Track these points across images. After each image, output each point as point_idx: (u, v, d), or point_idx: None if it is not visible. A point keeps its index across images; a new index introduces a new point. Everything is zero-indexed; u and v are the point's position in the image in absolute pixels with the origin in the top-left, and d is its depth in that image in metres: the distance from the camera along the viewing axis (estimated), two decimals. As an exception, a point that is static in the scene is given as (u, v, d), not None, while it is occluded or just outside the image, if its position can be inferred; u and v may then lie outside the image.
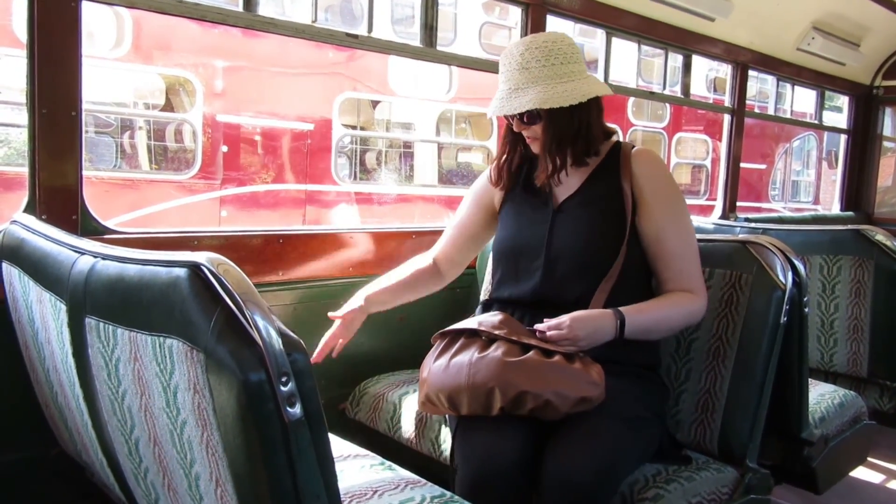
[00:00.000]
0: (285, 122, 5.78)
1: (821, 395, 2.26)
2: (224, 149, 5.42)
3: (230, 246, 1.97)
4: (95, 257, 1.13)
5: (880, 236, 2.61)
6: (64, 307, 1.19)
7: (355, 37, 2.23)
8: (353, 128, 7.12)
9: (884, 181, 5.20)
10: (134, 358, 1.02)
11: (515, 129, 1.76)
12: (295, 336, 0.88)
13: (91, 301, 1.11)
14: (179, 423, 0.97)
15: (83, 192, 1.74)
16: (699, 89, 8.64)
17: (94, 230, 1.74)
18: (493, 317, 1.66)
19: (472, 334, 1.63)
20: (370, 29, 2.27)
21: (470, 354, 1.56)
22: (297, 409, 0.85)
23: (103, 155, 5.65)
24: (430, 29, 2.46)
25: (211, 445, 0.92)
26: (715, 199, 4.25)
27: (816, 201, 11.42)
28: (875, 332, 2.63)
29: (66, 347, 1.21)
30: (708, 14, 3.43)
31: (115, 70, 5.29)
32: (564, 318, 1.58)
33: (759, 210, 9.16)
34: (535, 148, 1.76)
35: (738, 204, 4.24)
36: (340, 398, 2.22)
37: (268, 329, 0.84)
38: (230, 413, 0.86)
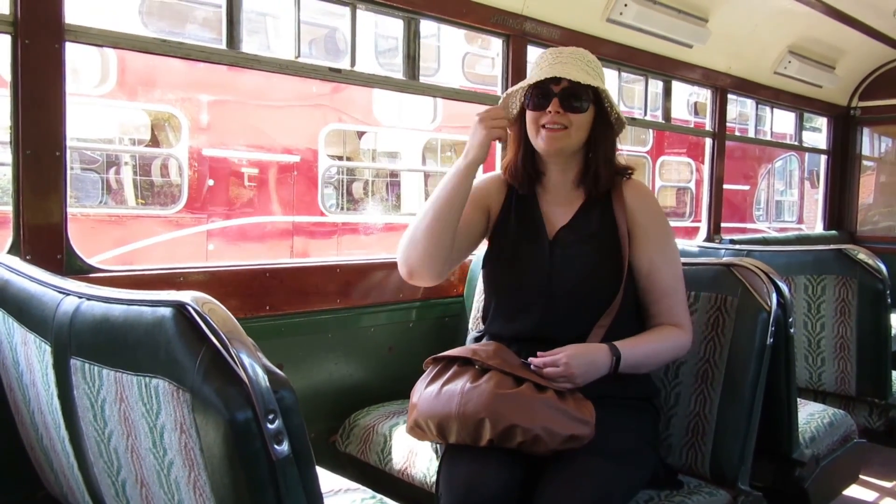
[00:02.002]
0: (271, 154, 5.81)
1: (810, 415, 2.27)
2: (210, 182, 5.43)
3: (217, 281, 1.97)
4: (80, 298, 1.13)
5: (862, 255, 2.64)
6: (49, 348, 1.18)
7: (339, 71, 2.25)
8: (340, 158, 7.15)
9: (865, 199, 5.27)
10: (120, 398, 1.02)
11: (552, 109, 1.65)
12: (281, 373, 0.88)
13: (76, 342, 1.11)
14: (166, 464, 0.96)
15: (68, 231, 1.74)
16: (681, 113, 8.75)
17: (79, 269, 1.74)
18: (487, 346, 1.65)
19: (465, 362, 1.62)
20: (353, 63, 2.29)
21: (462, 383, 1.55)
22: (284, 447, 0.85)
23: (89, 191, 5.64)
24: (412, 61, 2.49)
25: (198, 486, 0.91)
26: (700, 221, 4.29)
27: (800, 220, 11.54)
28: (861, 349, 2.65)
29: (51, 389, 1.20)
30: (686, 41, 3.50)
31: (101, 107, 5.30)
32: (561, 356, 1.57)
33: (744, 231, 9.24)
34: (555, 142, 1.68)
35: (724, 225, 4.28)
36: (330, 431, 2.20)
37: (254, 367, 0.85)
38: (217, 452, 0.85)
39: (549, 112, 1.66)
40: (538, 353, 1.61)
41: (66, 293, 1.17)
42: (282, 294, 2.08)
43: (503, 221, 1.83)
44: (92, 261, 1.80)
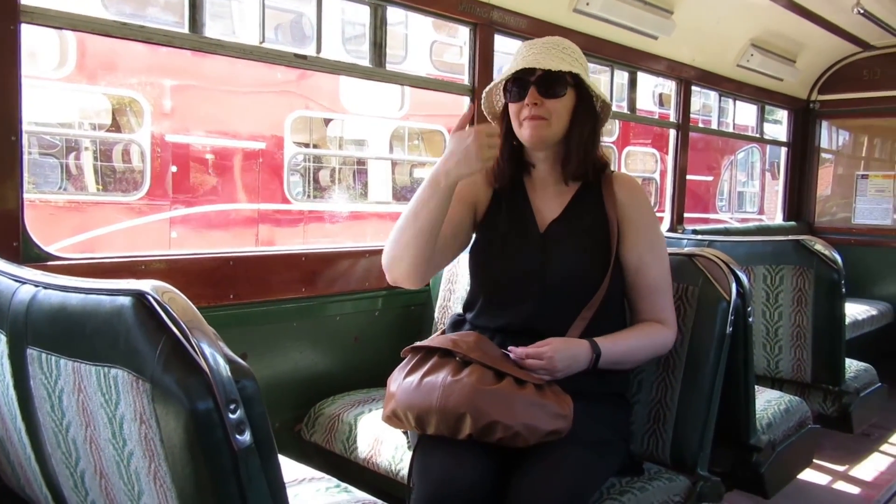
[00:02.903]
0: (236, 141, 5.72)
1: (767, 402, 2.33)
2: (173, 169, 5.34)
3: (179, 269, 1.94)
4: (37, 286, 1.11)
5: (819, 246, 2.71)
6: (4, 338, 1.16)
7: (304, 57, 2.23)
8: (306, 145, 7.08)
9: (823, 190, 5.39)
10: (78, 389, 1.00)
11: (528, 100, 1.64)
12: (243, 363, 0.87)
13: (33, 331, 1.08)
14: (126, 455, 0.95)
15: (24, 218, 1.70)
16: (646, 104, 8.84)
17: (36, 257, 1.70)
18: (468, 337, 1.63)
19: (445, 353, 1.61)
20: (319, 49, 2.27)
21: (443, 376, 1.54)
22: (246, 437, 0.84)
23: (48, 177, 5.51)
24: (379, 48, 2.47)
25: (159, 476, 0.90)
26: (664, 211, 4.35)
27: (761, 211, 11.76)
28: (817, 338, 2.72)
29: (6, 379, 1.18)
30: (651, 32, 3.53)
31: (59, 90, 5.17)
32: (545, 349, 1.58)
33: (707, 221, 9.39)
34: (535, 131, 1.66)
35: (688, 215, 4.34)
36: (295, 420, 2.19)
37: (215, 357, 0.84)
38: (178, 443, 0.85)
39: (528, 104, 1.65)
40: (520, 346, 1.61)
41: (23, 282, 1.15)
42: (246, 283, 2.06)
43: (492, 214, 1.82)
44: (50, 248, 1.76)
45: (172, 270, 1.92)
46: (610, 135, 8.86)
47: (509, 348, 1.61)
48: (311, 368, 2.25)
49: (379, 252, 2.43)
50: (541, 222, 1.78)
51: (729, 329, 1.84)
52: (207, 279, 1.98)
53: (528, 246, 1.74)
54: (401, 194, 7.81)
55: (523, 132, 1.70)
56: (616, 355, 1.67)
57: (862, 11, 3.65)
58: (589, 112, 1.75)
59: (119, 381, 0.91)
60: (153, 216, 5.30)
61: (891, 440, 3.83)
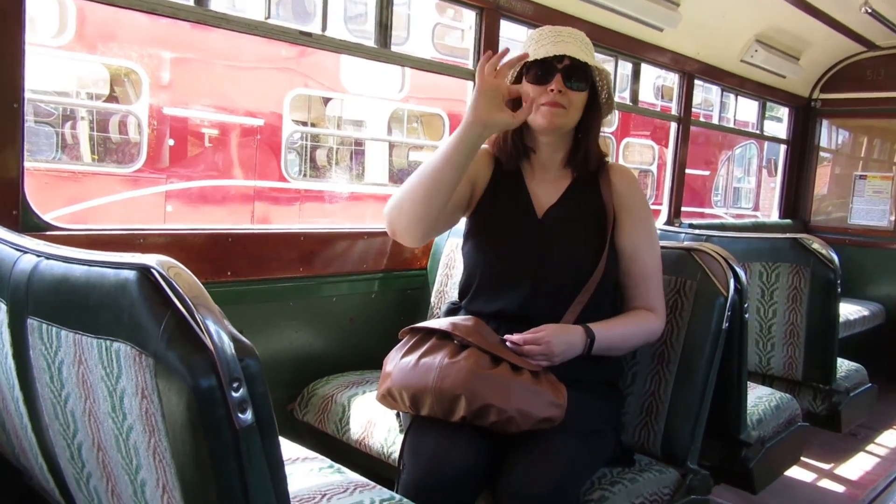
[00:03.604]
0: (235, 116, 5.68)
1: (758, 398, 2.35)
2: (171, 142, 5.30)
3: (178, 244, 1.93)
4: (39, 256, 1.10)
5: (816, 245, 2.72)
6: (4, 307, 1.15)
7: (309, 35, 2.21)
8: (304, 124, 7.04)
9: (820, 189, 5.40)
10: (78, 361, 1.00)
11: (554, 86, 1.65)
12: (247, 341, 0.87)
13: (34, 301, 1.08)
14: (125, 429, 0.95)
15: (24, 186, 1.69)
16: (647, 96, 8.82)
17: (35, 226, 1.69)
18: (467, 321, 1.64)
19: (443, 336, 1.62)
20: (324, 27, 2.25)
21: (440, 357, 1.55)
22: (248, 416, 0.84)
23: (42, 146, 5.46)
24: (384, 29, 2.45)
25: (158, 451, 0.90)
26: (660, 203, 4.35)
27: (756, 208, 11.78)
28: (810, 336, 2.73)
29: (5, 349, 1.17)
30: (657, 24, 3.51)
31: (57, 59, 5.11)
32: (542, 334, 1.59)
33: (702, 216, 9.41)
34: (554, 118, 1.68)
35: (683, 209, 4.35)
36: (288, 399, 2.20)
37: (219, 334, 0.83)
38: (179, 419, 0.84)
39: (552, 90, 1.67)
40: (515, 333, 1.62)
41: (24, 251, 1.14)
42: (244, 260, 2.05)
43: (488, 198, 1.82)
44: (45, 218, 1.75)
45: (171, 245, 1.91)
46: (609, 125, 8.84)
47: (505, 337, 1.61)
48: (305, 348, 2.25)
49: (377, 234, 2.45)
50: (538, 208, 1.79)
51: (725, 325, 1.84)
52: (206, 255, 1.98)
53: (526, 231, 1.75)
54: (397, 177, 7.79)
55: (539, 116, 1.70)
56: (609, 341, 1.69)
57: (870, 11, 3.64)
58: (597, 107, 1.80)
59: (121, 355, 0.91)
60: (148, 189, 5.27)
61: (877, 440, 3.87)
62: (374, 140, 7.49)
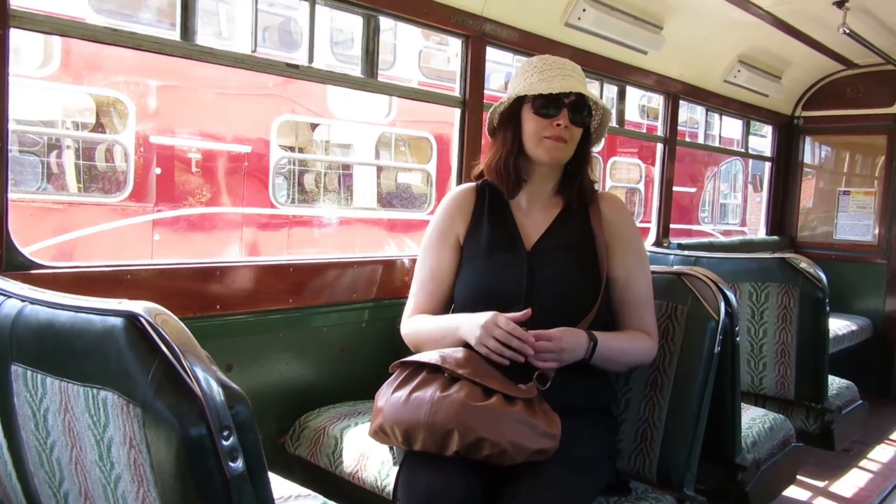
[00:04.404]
0: (222, 144, 5.67)
1: (752, 420, 2.34)
2: (157, 171, 5.28)
3: (165, 279, 1.91)
4: (23, 301, 1.08)
5: (804, 264, 2.73)
6: (-13, 353, 1.13)
7: (296, 67, 2.21)
8: (292, 149, 7.04)
9: (805, 205, 5.44)
10: (64, 409, 0.98)
11: (561, 121, 1.69)
12: (236, 387, 0.86)
13: (18, 347, 1.06)
14: (113, 478, 0.93)
15: (8, 223, 1.66)
16: (632, 115, 8.88)
17: (19, 265, 1.67)
18: (457, 352, 1.62)
19: (434, 369, 1.60)
20: (311, 59, 2.25)
21: (432, 391, 1.54)
22: (238, 464, 0.83)
23: (28, 175, 5.42)
24: (371, 58, 2.46)
25: (147, 502, 0.88)
26: (648, 222, 4.37)
27: (743, 223, 11.86)
28: (801, 356, 2.74)
29: (-11, 395, 1.15)
30: (641, 47, 3.54)
31: (43, 89, 5.09)
32: (555, 331, 1.59)
33: (689, 233, 9.45)
34: (558, 153, 1.72)
35: (671, 227, 4.37)
36: (280, 432, 2.17)
37: (208, 381, 0.82)
38: (169, 469, 0.83)
39: (559, 124, 1.69)
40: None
41: (8, 295, 1.12)
42: (232, 293, 2.04)
43: (474, 232, 1.83)
44: (29, 249, 1.73)
45: (159, 280, 1.89)
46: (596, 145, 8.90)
47: (530, 332, 1.59)
48: (296, 380, 2.23)
49: (366, 263, 2.45)
50: (527, 240, 1.79)
51: (717, 349, 1.84)
52: (193, 289, 1.96)
53: (514, 263, 1.75)
54: (385, 200, 7.79)
55: (542, 150, 1.73)
56: (609, 350, 1.69)
57: (847, 31, 3.69)
58: (589, 138, 1.83)
59: (108, 404, 0.89)
60: (136, 218, 5.23)
61: (870, 455, 3.87)
62: (362, 164, 7.50)
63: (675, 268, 2.00)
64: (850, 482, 3.48)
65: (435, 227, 1.88)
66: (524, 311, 1.59)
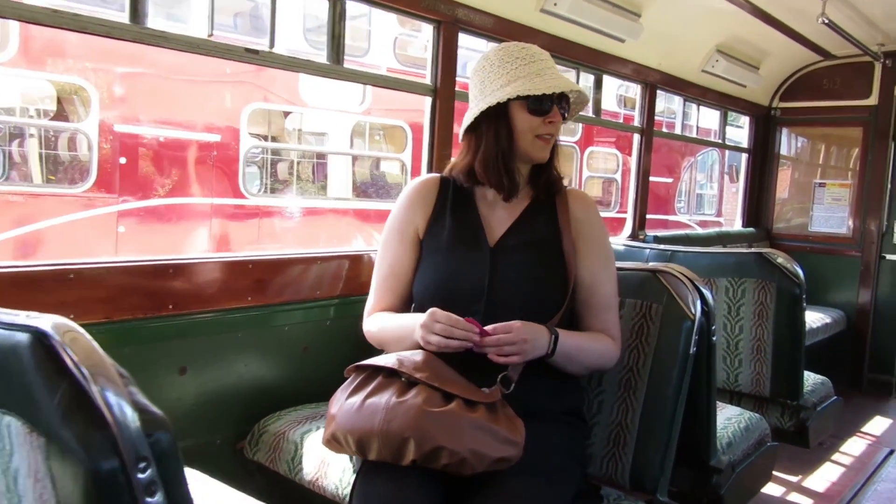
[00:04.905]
0: (190, 132, 5.51)
1: (727, 419, 2.29)
2: (122, 160, 5.11)
3: (113, 278, 1.80)
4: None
5: (781, 259, 2.68)
6: None
7: (256, 52, 2.10)
8: (265, 138, 6.89)
9: (781, 196, 5.43)
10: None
11: (554, 118, 1.64)
12: (157, 412, 0.76)
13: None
14: (23, 512, 0.83)
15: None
16: (609, 104, 8.83)
17: (-50, 264, 1.56)
18: (415, 355, 1.54)
19: (390, 373, 1.52)
20: (272, 44, 2.14)
21: (387, 397, 1.45)
22: (157, 499, 0.73)
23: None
24: (337, 44, 2.35)
25: (58, 540, 0.79)
26: (625, 212, 4.31)
27: (719, 213, 11.90)
28: (777, 352, 2.70)
29: None
30: (619, 35, 3.47)
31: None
32: (515, 323, 1.51)
33: (666, 223, 9.45)
34: (545, 153, 1.69)
35: (648, 217, 4.32)
36: (238, 437, 2.07)
37: (122, 407, 0.72)
38: (78, 506, 0.73)
39: (552, 122, 1.64)
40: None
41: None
42: (186, 292, 1.93)
43: (436, 225, 1.74)
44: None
45: (106, 279, 1.78)
46: (573, 135, 8.84)
47: (477, 328, 1.50)
48: (256, 382, 2.13)
49: (331, 258, 2.35)
50: (490, 235, 1.71)
51: (693, 349, 1.78)
52: (144, 288, 1.85)
53: (476, 260, 1.67)
54: (361, 189, 7.67)
55: (535, 148, 1.67)
56: (570, 347, 1.61)
57: (826, 21, 3.65)
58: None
59: (13, 430, 0.79)
60: (99, 209, 5.07)
61: (842, 449, 3.87)
62: (334, 153, 7.37)
63: (651, 265, 1.93)
64: (824, 477, 3.46)
65: (394, 220, 1.79)
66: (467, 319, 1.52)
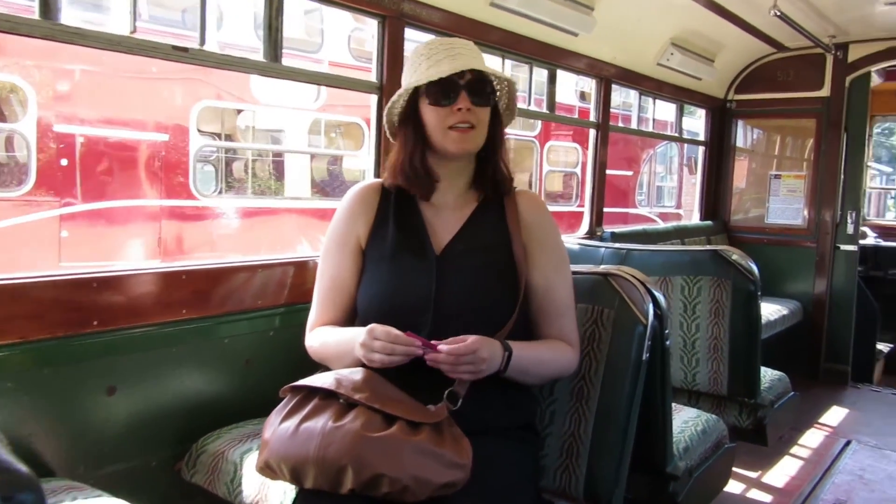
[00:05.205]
0: (136, 132, 5.31)
1: (684, 423, 2.24)
2: (63, 162, 4.90)
3: (27, 295, 1.66)
4: None
5: (736, 256, 2.65)
6: None
7: (185, 50, 1.98)
8: (218, 136, 6.71)
9: (738, 188, 5.45)
10: None
11: (461, 105, 1.52)
12: (22, 469, 0.66)
13: None
14: None
15: None
16: (569, 98, 8.81)
17: None
18: (354, 374, 1.45)
19: (328, 395, 1.42)
20: (202, 41, 2.03)
21: (323, 421, 1.36)
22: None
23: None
24: (274, 42, 2.24)
25: None
26: (585, 206, 4.27)
27: (678, 205, 12.01)
28: (733, 351, 2.67)
29: None
30: (572, 29, 3.41)
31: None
32: (472, 339, 1.42)
33: (626, 216, 9.49)
34: (467, 142, 1.55)
35: (609, 210, 4.28)
36: (175, 458, 1.96)
37: (-23, 470, 0.63)
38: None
39: (460, 109, 1.52)
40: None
41: None
42: (113, 306, 1.81)
43: (378, 234, 1.65)
44: None
45: (21, 296, 1.65)
46: (532, 129, 8.81)
47: (430, 345, 1.41)
48: (195, 398, 2.02)
49: (276, 265, 2.24)
50: (436, 242, 1.61)
51: (646, 355, 1.72)
52: (66, 304, 1.72)
53: (421, 269, 1.58)
54: (320, 187, 7.53)
55: (449, 141, 1.56)
56: (525, 360, 1.53)
57: (778, 13, 3.64)
58: (500, 118, 1.66)
59: None
60: (39, 213, 4.86)
61: (800, 442, 3.88)
62: (290, 151, 7.21)
63: (602, 268, 1.86)
64: (783, 471, 3.47)
65: (334, 230, 1.70)
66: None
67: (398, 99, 1.60)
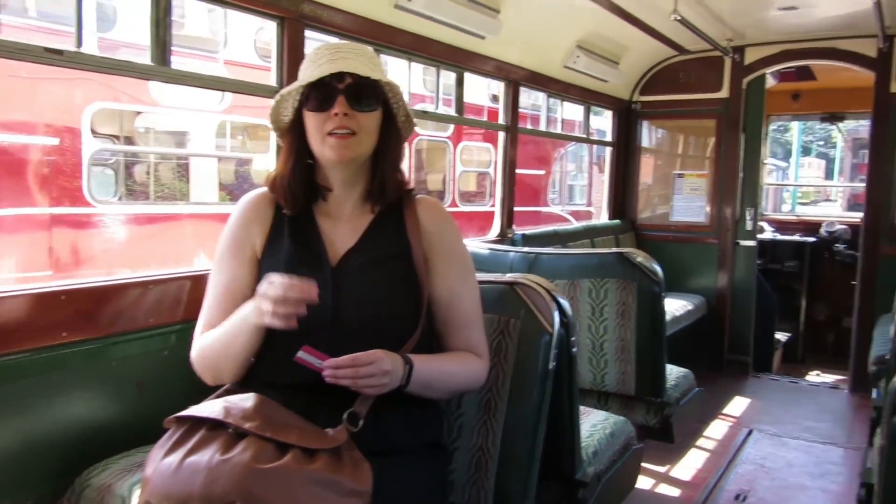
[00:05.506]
0: (20, 136, 4.97)
1: (593, 427, 2.25)
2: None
3: None
4: None
5: (641, 258, 2.69)
6: None
7: (59, 52, 1.83)
8: (117, 139, 6.37)
9: (644, 186, 5.60)
10: None
11: (337, 110, 1.44)
12: None
13: None
14: None
15: None
16: (482, 100, 8.85)
17: None
18: (245, 401, 1.36)
19: (216, 425, 1.33)
20: (79, 43, 1.88)
21: (210, 454, 1.26)
22: None
23: None
24: (162, 44, 2.10)
25: None
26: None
27: (589, 203, 12.30)
28: (640, 351, 2.71)
29: None
30: (478, 32, 3.40)
31: None
32: (377, 352, 1.36)
33: (538, 215, 9.62)
34: (344, 149, 1.46)
35: (521, 209, 4.30)
36: (55, 495, 1.80)
37: None
38: None
39: (336, 114, 1.44)
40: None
41: None
42: (-23, 333, 1.65)
43: (273, 245, 1.56)
44: None
45: None
46: (445, 130, 8.80)
47: (302, 351, 1.34)
48: (77, 428, 1.87)
49: (171, 280, 2.11)
50: (333, 254, 1.54)
51: (552, 364, 1.70)
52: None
53: (317, 283, 1.49)
54: (228, 191, 7.27)
55: (327, 149, 1.48)
56: (428, 374, 1.47)
57: (679, 18, 3.74)
58: (395, 128, 1.59)
59: None
60: None
61: (706, 433, 4.02)
62: (191, 155, 6.92)
63: (508, 276, 1.84)
64: (690, 465, 3.57)
65: (228, 237, 1.59)
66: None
67: (278, 104, 1.53)
